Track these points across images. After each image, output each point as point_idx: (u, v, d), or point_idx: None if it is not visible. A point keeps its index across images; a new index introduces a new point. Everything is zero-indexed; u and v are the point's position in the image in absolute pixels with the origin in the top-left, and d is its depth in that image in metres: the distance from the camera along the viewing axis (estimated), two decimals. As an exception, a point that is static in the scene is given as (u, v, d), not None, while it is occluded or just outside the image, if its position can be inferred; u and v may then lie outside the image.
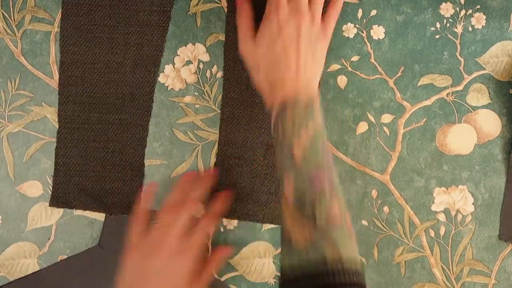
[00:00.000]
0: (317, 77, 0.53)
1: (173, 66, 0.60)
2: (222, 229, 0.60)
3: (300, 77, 0.50)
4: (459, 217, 0.60)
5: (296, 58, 0.50)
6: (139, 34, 0.60)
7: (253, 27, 0.54)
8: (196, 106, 0.60)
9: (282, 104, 0.48)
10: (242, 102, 0.60)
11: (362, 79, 0.60)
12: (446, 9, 0.61)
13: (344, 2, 0.60)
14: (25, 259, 0.59)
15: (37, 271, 0.59)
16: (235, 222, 0.60)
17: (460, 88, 0.61)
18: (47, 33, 0.60)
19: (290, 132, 0.46)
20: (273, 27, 0.51)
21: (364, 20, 0.61)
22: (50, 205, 0.58)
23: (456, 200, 0.60)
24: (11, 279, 0.59)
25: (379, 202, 0.60)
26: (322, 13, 0.54)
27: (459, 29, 0.61)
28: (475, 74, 0.61)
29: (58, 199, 0.59)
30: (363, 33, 0.61)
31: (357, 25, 0.60)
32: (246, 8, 0.55)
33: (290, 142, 0.46)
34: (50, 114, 0.60)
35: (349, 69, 0.60)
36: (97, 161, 0.59)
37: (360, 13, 0.60)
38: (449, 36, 0.61)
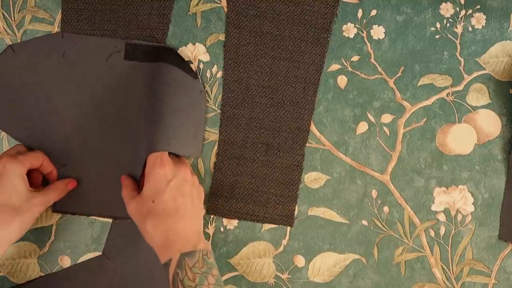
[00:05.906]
0: (202, 227, 0.56)
1: (173, 66, 0.60)
2: (222, 229, 0.60)
3: (194, 229, 0.52)
4: (459, 217, 0.60)
5: (186, 210, 0.52)
6: (140, 38, 0.59)
7: (136, 187, 0.55)
8: (196, 106, 0.60)
9: (181, 256, 0.48)
10: (242, 102, 0.60)
11: (362, 79, 0.60)
12: (446, 9, 0.61)
13: (344, 2, 0.60)
14: (26, 259, 0.59)
15: (38, 278, 0.58)
16: (235, 222, 0.60)
17: (460, 88, 0.61)
18: (47, 33, 0.60)
19: (193, 283, 0.47)
20: (159, 179, 0.51)
21: (364, 20, 0.61)
22: (53, 211, 0.58)
23: (456, 200, 0.60)
24: (12, 279, 0.59)
25: (379, 202, 0.60)
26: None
27: (459, 29, 0.61)
28: (475, 74, 0.61)
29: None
30: (363, 33, 0.61)
31: (357, 25, 0.60)
32: (127, 179, 0.56)
33: None
34: (50, 114, 0.60)
35: (349, 69, 0.60)
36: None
37: (360, 13, 0.60)
38: (449, 36, 0.61)
